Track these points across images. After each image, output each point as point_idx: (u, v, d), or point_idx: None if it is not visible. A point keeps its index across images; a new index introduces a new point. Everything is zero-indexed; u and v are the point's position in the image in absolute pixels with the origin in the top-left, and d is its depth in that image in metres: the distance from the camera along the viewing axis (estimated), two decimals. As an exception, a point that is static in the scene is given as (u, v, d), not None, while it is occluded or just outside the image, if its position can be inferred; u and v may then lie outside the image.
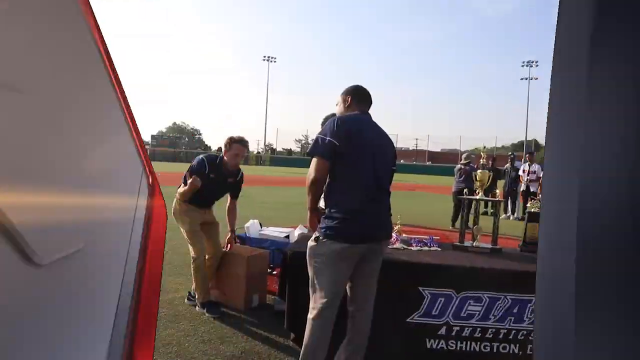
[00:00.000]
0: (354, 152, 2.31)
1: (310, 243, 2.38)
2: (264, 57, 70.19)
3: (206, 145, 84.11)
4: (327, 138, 2.28)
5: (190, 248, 3.80)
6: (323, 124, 4.62)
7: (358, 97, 2.60)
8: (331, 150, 2.27)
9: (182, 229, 3.83)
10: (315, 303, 2.33)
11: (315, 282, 2.35)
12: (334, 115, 4.70)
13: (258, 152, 72.47)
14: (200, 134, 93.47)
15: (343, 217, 2.28)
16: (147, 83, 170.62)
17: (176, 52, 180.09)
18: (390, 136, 2.66)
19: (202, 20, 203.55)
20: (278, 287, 3.16)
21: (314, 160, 2.30)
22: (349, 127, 2.33)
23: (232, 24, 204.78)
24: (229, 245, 4.05)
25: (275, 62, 71.20)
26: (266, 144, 74.78)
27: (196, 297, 3.78)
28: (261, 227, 5.06)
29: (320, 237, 2.31)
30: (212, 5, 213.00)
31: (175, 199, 3.83)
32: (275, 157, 66.52)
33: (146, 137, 79.16)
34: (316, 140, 2.34)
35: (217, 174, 3.81)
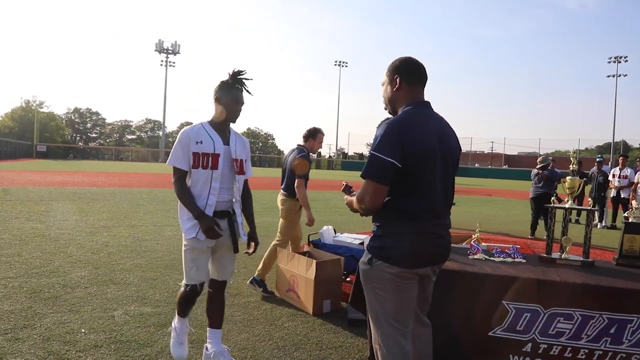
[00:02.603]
0: (418, 167, 1.93)
1: (363, 266, 2.10)
2: (336, 62, 70.97)
3: (279, 149, 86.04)
4: (387, 158, 1.87)
5: (279, 235, 4.51)
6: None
7: (410, 76, 2.09)
8: (391, 172, 1.89)
9: (282, 219, 4.51)
10: (384, 335, 2.04)
11: (378, 311, 2.06)
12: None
13: (330, 157, 73.03)
14: (273, 139, 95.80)
15: (402, 237, 1.97)
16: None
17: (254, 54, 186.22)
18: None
19: (268, 20, 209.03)
20: (351, 295, 3.07)
21: (369, 185, 1.91)
22: (412, 137, 1.92)
23: (303, 28, 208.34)
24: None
25: (346, 66, 71.64)
26: (338, 148, 75.21)
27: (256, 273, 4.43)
28: (335, 233, 5.05)
29: (375, 259, 2.02)
30: (279, 7, 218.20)
31: (281, 197, 4.56)
32: (347, 162, 66.71)
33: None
34: (371, 160, 1.91)
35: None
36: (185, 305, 2.85)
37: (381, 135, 1.92)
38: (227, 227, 2.76)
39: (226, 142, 2.76)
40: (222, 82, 2.75)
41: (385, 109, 2.25)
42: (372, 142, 2.00)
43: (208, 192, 2.68)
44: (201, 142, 2.65)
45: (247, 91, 2.83)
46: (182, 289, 2.79)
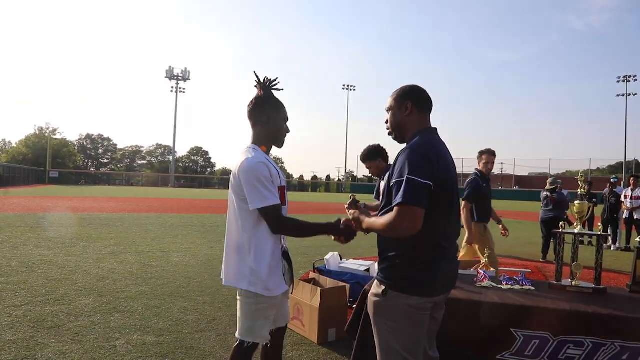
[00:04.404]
0: (442, 191, 1.91)
1: (375, 299, 2.01)
2: (344, 85, 71.66)
3: (289, 173, 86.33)
4: (424, 181, 1.83)
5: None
6: (368, 159, 4.55)
7: (421, 103, 2.10)
8: (428, 195, 1.84)
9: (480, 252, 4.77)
10: None
11: (391, 345, 1.97)
12: (379, 148, 4.69)
13: (339, 180, 73.09)
14: (282, 162, 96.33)
15: (421, 266, 1.93)
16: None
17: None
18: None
19: (276, 47, 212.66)
20: (348, 322, 2.95)
21: (407, 210, 1.82)
22: (437, 162, 1.91)
23: (312, 52, 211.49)
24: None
25: (354, 90, 72.33)
26: (347, 171, 75.31)
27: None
28: (341, 260, 4.99)
29: (390, 291, 1.96)
30: (287, 33, 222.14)
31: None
32: (357, 185, 66.71)
33: (232, 166, 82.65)
34: (408, 183, 1.83)
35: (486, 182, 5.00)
36: None
37: (410, 159, 1.88)
38: (289, 267, 2.34)
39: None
40: (267, 98, 2.32)
41: (390, 135, 2.22)
42: (393, 170, 1.97)
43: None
44: (272, 174, 2.19)
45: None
46: (240, 350, 2.23)
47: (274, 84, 2.34)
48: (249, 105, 2.33)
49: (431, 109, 2.15)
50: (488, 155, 5.03)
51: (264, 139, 2.32)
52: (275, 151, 2.44)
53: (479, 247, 4.92)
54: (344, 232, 2.25)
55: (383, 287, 1.98)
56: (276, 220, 2.14)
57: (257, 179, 2.11)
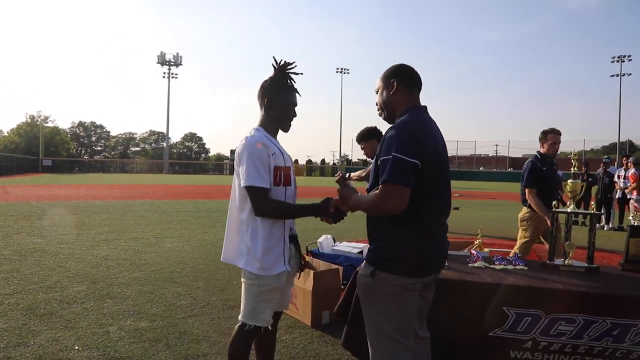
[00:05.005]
0: (432, 171, 1.88)
1: (364, 279, 1.99)
2: (337, 69, 70.95)
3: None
4: (410, 159, 1.79)
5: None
6: (363, 139, 4.39)
7: (406, 79, 2.06)
8: (415, 174, 1.81)
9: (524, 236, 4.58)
10: (386, 350, 1.96)
11: (381, 326, 1.96)
12: (375, 129, 4.50)
13: (334, 163, 73.01)
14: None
15: (408, 246, 1.89)
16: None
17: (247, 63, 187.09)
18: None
19: (272, 30, 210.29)
20: (339, 304, 2.91)
21: (393, 189, 1.79)
22: (425, 140, 1.87)
23: (304, 36, 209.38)
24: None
25: (348, 73, 71.83)
26: (342, 154, 75.19)
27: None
28: (334, 242, 4.97)
29: (378, 271, 1.93)
30: (280, 17, 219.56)
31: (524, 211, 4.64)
32: (351, 168, 66.67)
33: (226, 152, 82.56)
34: (394, 162, 1.79)
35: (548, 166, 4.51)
36: (247, 352, 2.27)
37: (397, 137, 1.84)
38: (295, 252, 2.38)
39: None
40: (273, 81, 2.29)
41: (380, 116, 2.19)
42: (381, 148, 1.92)
43: None
44: (274, 154, 2.19)
45: (296, 91, 2.35)
46: (241, 332, 2.22)
47: (289, 67, 2.31)
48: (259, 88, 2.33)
49: (420, 87, 2.12)
50: (554, 135, 4.53)
51: (268, 121, 2.31)
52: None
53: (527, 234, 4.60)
54: (332, 214, 2.22)
55: (371, 268, 1.96)
56: (259, 202, 2.13)
57: (249, 158, 2.11)
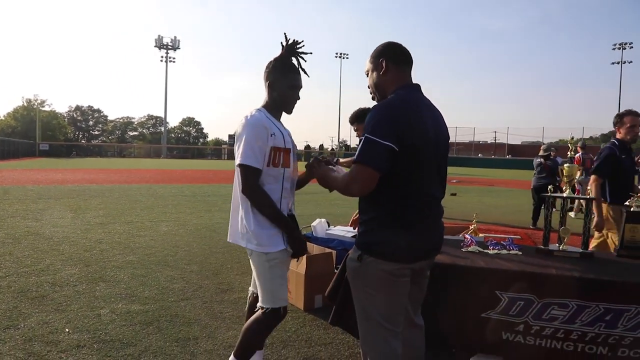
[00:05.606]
0: (415, 152, 1.79)
1: (352, 263, 1.95)
2: (336, 54, 70.39)
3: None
4: (383, 142, 1.71)
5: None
6: (356, 120, 4.14)
7: (396, 58, 1.97)
8: (388, 158, 1.73)
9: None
10: (373, 336, 1.93)
11: (368, 311, 1.93)
12: (368, 110, 4.28)
13: (332, 149, 72.87)
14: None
15: (395, 231, 1.83)
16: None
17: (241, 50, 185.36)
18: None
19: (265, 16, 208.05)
20: (330, 287, 2.89)
21: (363, 170, 1.74)
22: (406, 119, 1.77)
23: (304, 20, 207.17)
24: None
25: (347, 58, 71.26)
26: (340, 140, 75.04)
27: None
28: (329, 226, 4.94)
29: (365, 255, 1.87)
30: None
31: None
32: (350, 154, 66.57)
33: (224, 136, 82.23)
34: (366, 143, 1.74)
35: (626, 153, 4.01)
36: (266, 336, 2.35)
37: (373, 117, 1.78)
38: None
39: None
40: (276, 62, 2.25)
41: (374, 99, 2.12)
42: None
43: (280, 195, 2.22)
44: (274, 135, 2.17)
45: (304, 71, 2.31)
46: (264, 316, 2.21)
47: (298, 46, 2.27)
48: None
49: (411, 63, 2.02)
50: (632, 117, 3.97)
51: (270, 102, 2.29)
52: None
53: (612, 233, 3.98)
54: (296, 249, 2.23)
55: (359, 252, 1.90)
56: (247, 181, 2.12)
57: (245, 136, 2.12)
